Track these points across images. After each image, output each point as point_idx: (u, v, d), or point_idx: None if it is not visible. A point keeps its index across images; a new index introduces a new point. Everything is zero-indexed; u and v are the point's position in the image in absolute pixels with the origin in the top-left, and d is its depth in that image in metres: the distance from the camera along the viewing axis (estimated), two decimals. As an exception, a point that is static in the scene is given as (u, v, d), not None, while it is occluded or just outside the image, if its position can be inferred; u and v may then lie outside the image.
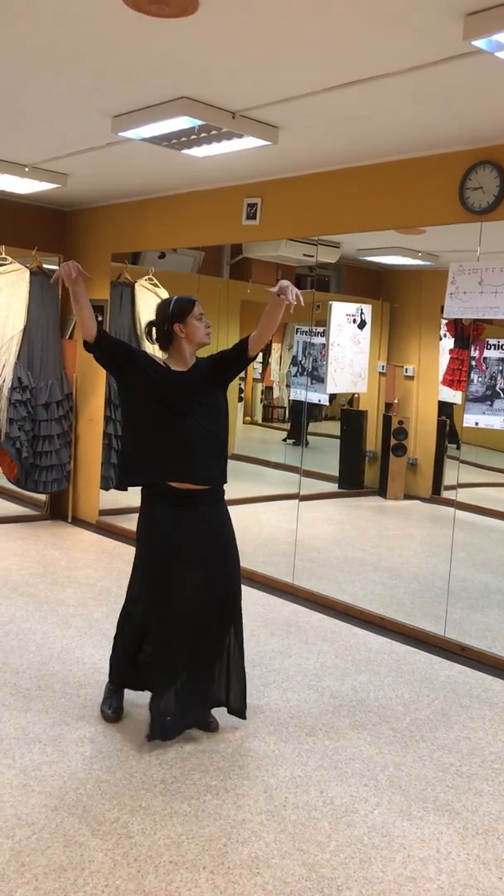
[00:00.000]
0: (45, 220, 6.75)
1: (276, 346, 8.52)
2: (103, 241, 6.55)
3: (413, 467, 7.40)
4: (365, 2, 2.62)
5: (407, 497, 7.43)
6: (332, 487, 7.85)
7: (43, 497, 6.99)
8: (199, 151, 4.41)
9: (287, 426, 8.70)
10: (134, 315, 6.70)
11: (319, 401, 7.45)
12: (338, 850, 2.62)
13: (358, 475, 7.90)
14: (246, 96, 3.66)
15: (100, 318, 6.19)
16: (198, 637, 3.26)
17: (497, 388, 5.47)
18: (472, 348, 5.78)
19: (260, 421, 9.17)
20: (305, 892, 2.41)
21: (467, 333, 6.07)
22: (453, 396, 6.74)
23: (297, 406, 8.14)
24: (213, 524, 3.31)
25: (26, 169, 5.40)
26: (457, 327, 6.30)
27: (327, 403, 7.79)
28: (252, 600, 5.00)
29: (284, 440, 8.49)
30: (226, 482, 3.36)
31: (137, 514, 3.34)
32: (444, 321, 6.55)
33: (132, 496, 3.36)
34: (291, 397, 8.47)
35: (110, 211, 6.50)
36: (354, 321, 6.79)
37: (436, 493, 7.18)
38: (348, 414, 7.98)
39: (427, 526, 7.27)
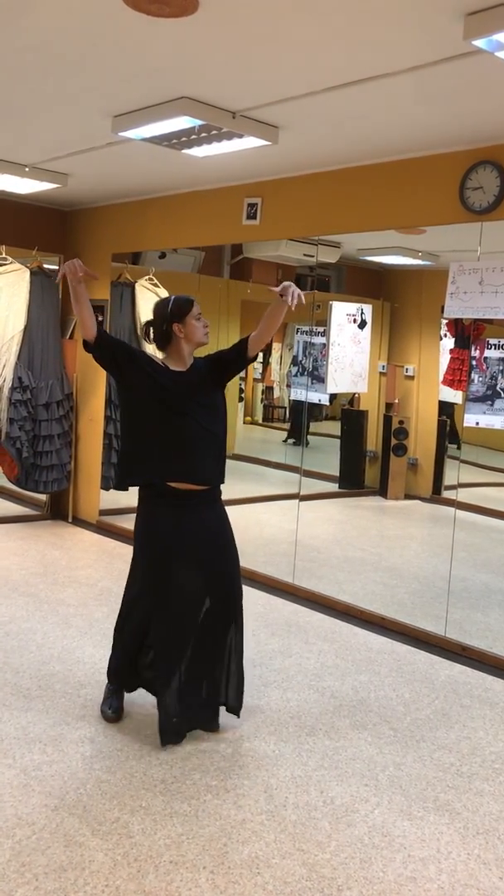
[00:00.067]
0: (45, 220, 6.75)
1: (276, 346, 8.52)
2: (103, 241, 6.55)
3: (413, 467, 7.40)
4: (365, 2, 2.62)
5: (407, 497, 7.42)
6: (333, 487, 7.85)
7: (43, 497, 6.99)
8: (199, 151, 4.41)
9: (287, 426, 8.70)
10: (134, 315, 6.70)
11: (320, 401, 7.44)
12: (338, 850, 2.62)
13: (358, 475, 7.90)
14: (246, 96, 3.66)
15: (100, 318, 6.19)
16: (199, 637, 3.26)
17: (497, 388, 5.47)
18: (473, 348, 5.78)
19: (260, 421, 9.17)
20: (306, 892, 2.41)
21: (468, 333, 6.06)
22: (454, 396, 6.73)
23: (297, 406, 8.14)
24: (212, 524, 3.31)
25: (26, 169, 5.40)
26: (457, 327, 6.30)
27: (328, 403, 7.79)
28: (252, 600, 5.00)
29: (285, 441, 8.49)
30: (224, 482, 3.36)
31: (135, 515, 3.35)
32: (444, 321, 6.55)
33: (132, 496, 3.36)
34: (292, 397, 8.47)
35: (110, 211, 6.50)
36: (355, 321, 6.79)
37: (436, 493, 7.18)
38: (349, 414, 7.97)
39: (428, 526, 7.27)
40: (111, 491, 6.62)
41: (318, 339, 7.01)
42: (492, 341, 5.71)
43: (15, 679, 3.76)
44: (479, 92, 3.38)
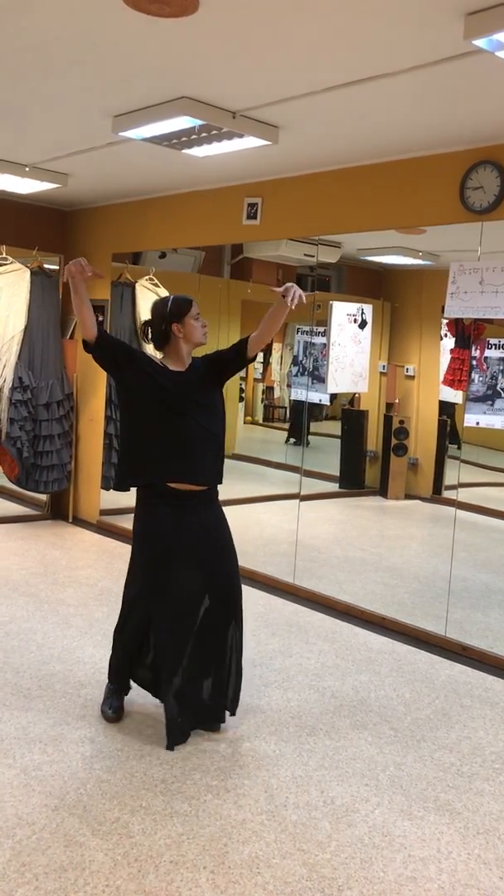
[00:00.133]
0: (45, 220, 6.75)
1: (276, 346, 8.52)
2: (104, 240, 6.55)
3: (414, 467, 7.40)
4: (365, 1, 2.62)
5: (408, 497, 7.42)
6: (333, 487, 7.85)
7: (44, 497, 6.99)
8: (199, 151, 4.41)
9: (288, 426, 8.70)
10: (134, 315, 6.70)
11: (320, 400, 7.45)
12: (338, 850, 2.62)
13: (359, 475, 7.90)
14: (246, 96, 3.66)
15: (100, 318, 6.19)
16: (199, 637, 3.26)
17: (498, 388, 5.47)
18: (473, 348, 5.78)
19: (261, 421, 9.17)
20: (306, 892, 2.41)
21: (468, 333, 6.06)
22: (454, 396, 6.73)
23: (297, 406, 8.14)
24: (211, 524, 3.31)
25: (27, 169, 5.40)
26: (457, 327, 6.30)
27: (328, 403, 7.79)
28: (253, 600, 5.00)
29: (287, 441, 8.49)
30: (222, 482, 3.36)
31: (133, 515, 3.35)
32: (444, 321, 6.55)
33: (133, 496, 3.36)
34: (292, 397, 8.47)
35: (111, 211, 6.50)
36: (355, 321, 6.79)
37: (437, 493, 7.18)
38: (349, 414, 7.97)
39: (428, 526, 7.27)
40: (111, 491, 6.62)
41: (319, 339, 7.01)
42: (492, 341, 5.71)
43: (15, 679, 3.76)
44: (480, 92, 3.38)
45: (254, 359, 3.37)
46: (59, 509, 7.00)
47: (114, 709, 3.43)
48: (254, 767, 3.10)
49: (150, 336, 3.30)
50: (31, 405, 6.40)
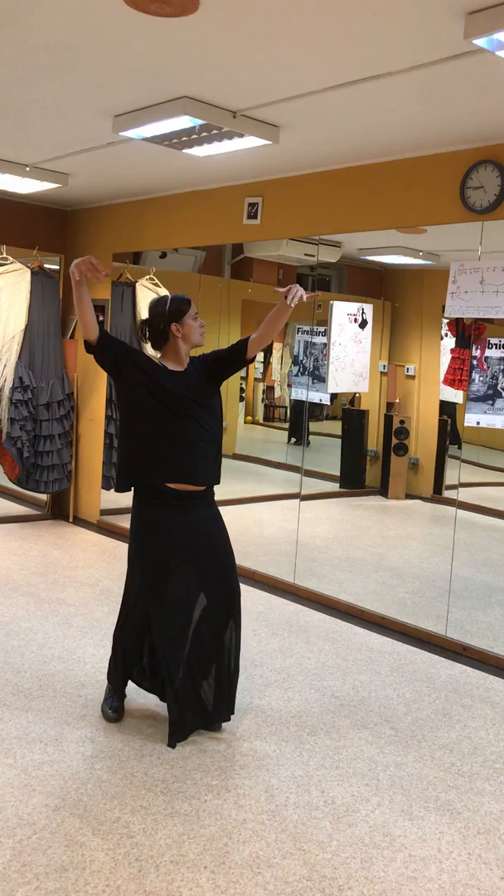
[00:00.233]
0: (46, 219, 6.75)
1: (277, 346, 8.52)
2: (104, 240, 6.55)
3: (414, 467, 7.40)
4: (365, 1, 2.62)
5: (408, 496, 7.42)
6: (334, 487, 7.85)
7: (44, 497, 6.99)
8: (200, 151, 4.40)
9: (288, 426, 8.70)
10: (135, 315, 6.70)
11: (321, 400, 7.45)
12: (339, 850, 2.62)
13: (359, 475, 7.90)
14: (247, 96, 3.66)
15: (101, 318, 6.19)
16: (198, 637, 3.25)
17: (498, 388, 5.47)
18: (474, 348, 5.77)
19: (261, 420, 9.17)
20: (307, 892, 2.41)
21: (468, 333, 6.06)
22: (454, 396, 6.73)
23: (298, 406, 8.14)
24: (209, 524, 3.31)
25: (27, 169, 5.40)
26: (458, 327, 6.30)
27: (328, 403, 7.79)
28: (253, 600, 5.00)
29: (288, 441, 8.49)
30: (219, 483, 3.36)
31: (130, 516, 3.34)
32: (445, 320, 6.55)
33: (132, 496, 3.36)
34: (293, 397, 8.47)
35: (111, 210, 6.50)
36: (356, 320, 6.79)
37: (437, 493, 7.18)
38: (349, 413, 7.97)
39: (428, 525, 7.26)
40: (112, 491, 6.62)
41: (319, 339, 7.01)
42: (492, 341, 5.71)
43: (16, 679, 3.76)
44: (480, 91, 3.38)
45: (253, 359, 3.36)
46: (60, 509, 7.00)
47: (114, 708, 3.43)
48: (254, 767, 3.10)
49: (147, 336, 3.29)
50: (31, 405, 6.40)
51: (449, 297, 4.31)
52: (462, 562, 5.46)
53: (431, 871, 2.54)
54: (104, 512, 6.75)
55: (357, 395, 7.78)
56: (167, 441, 3.19)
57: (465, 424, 5.27)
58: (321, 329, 6.88)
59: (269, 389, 9.07)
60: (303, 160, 4.74)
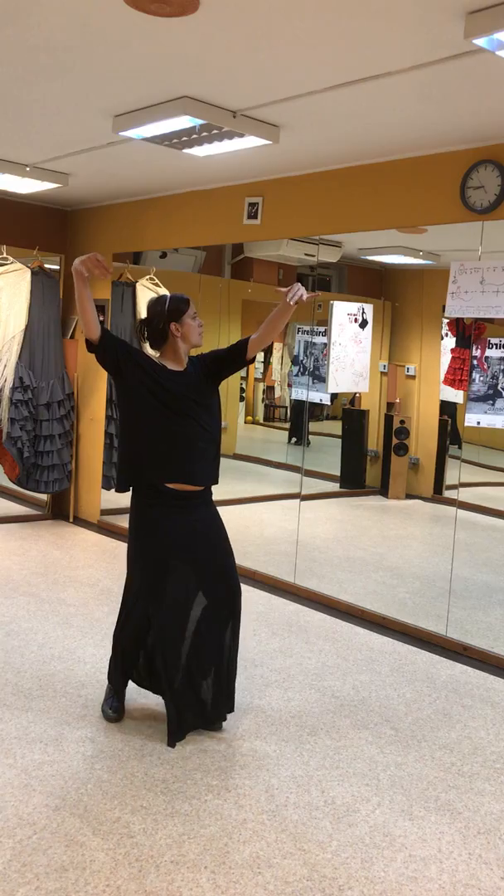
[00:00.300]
0: (46, 219, 6.75)
1: (277, 346, 8.52)
2: (104, 240, 6.55)
3: (415, 467, 7.40)
4: (366, 1, 2.62)
5: (409, 496, 7.42)
6: (334, 487, 7.85)
7: (44, 497, 6.99)
8: (200, 151, 4.40)
9: (288, 426, 8.70)
10: (135, 315, 6.70)
11: (321, 400, 7.45)
12: (339, 850, 2.62)
13: (360, 475, 7.90)
14: (247, 95, 3.65)
15: (101, 318, 6.18)
16: (198, 636, 3.25)
17: (499, 388, 5.47)
18: (474, 347, 5.77)
19: (262, 420, 9.17)
20: (307, 892, 2.41)
21: (469, 333, 6.06)
22: (455, 396, 6.74)
23: (298, 406, 8.14)
24: (208, 524, 3.31)
25: (27, 169, 5.40)
26: (458, 326, 6.30)
27: (329, 403, 7.79)
28: (253, 600, 5.00)
29: (289, 442, 8.49)
30: (217, 483, 3.36)
31: (128, 516, 3.34)
32: (445, 320, 6.55)
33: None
34: (293, 397, 8.47)
35: (111, 210, 6.50)
36: (356, 320, 6.79)
37: (437, 493, 7.18)
38: (350, 413, 7.97)
39: (429, 525, 7.26)
40: (112, 491, 6.62)
41: (320, 339, 7.01)
42: (493, 341, 5.71)
43: (16, 679, 3.76)
44: (480, 91, 3.38)
45: (253, 360, 3.36)
46: (60, 509, 7.00)
47: (114, 708, 3.42)
48: (254, 767, 3.10)
49: (146, 335, 3.29)
50: (31, 405, 6.40)
51: (449, 296, 4.31)
52: (462, 562, 5.46)
53: (432, 871, 2.54)
54: (104, 512, 6.75)
55: (357, 395, 7.79)
56: (167, 441, 3.18)
57: (466, 424, 5.27)
58: (321, 329, 6.88)
59: (270, 389, 9.07)
60: (303, 160, 4.74)
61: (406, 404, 7.47)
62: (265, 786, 2.97)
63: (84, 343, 3.25)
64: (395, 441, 7.40)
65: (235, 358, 3.29)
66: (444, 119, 3.81)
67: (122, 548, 6.08)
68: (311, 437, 7.37)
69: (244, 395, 8.82)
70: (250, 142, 4.16)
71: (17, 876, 2.40)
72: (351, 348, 6.71)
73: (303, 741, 3.32)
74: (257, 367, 8.89)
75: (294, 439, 8.34)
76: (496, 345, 5.68)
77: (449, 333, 6.52)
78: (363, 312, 6.83)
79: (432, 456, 7.24)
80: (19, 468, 6.43)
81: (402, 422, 7.41)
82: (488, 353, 5.68)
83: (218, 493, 3.41)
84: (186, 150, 4.41)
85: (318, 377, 7.03)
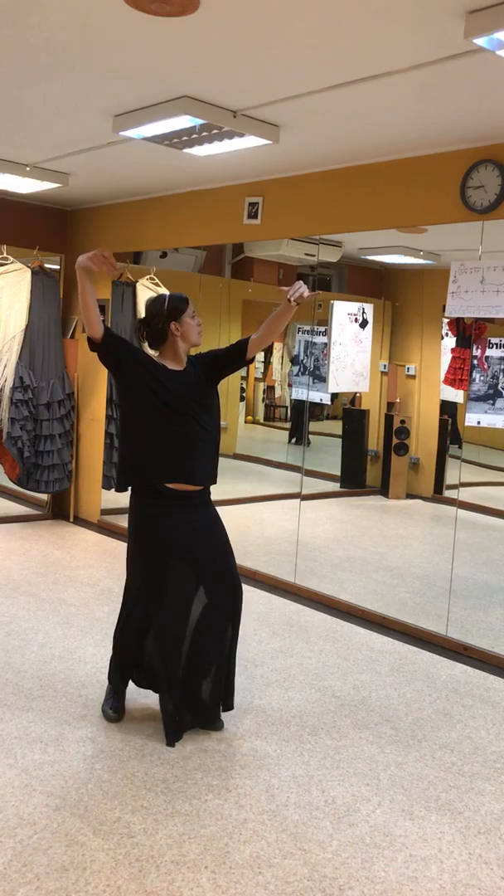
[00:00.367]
0: (46, 219, 6.75)
1: (277, 346, 8.53)
2: (104, 240, 6.55)
3: (415, 466, 7.40)
4: (365, 1, 2.62)
5: (409, 496, 7.43)
6: (334, 487, 7.86)
7: (45, 497, 6.99)
8: (200, 150, 4.40)
9: (289, 425, 8.70)
10: (135, 315, 6.70)
11: (321, 400, 7.45)
12: (340, 850, 2.62)
13: (360, 474, 7.91)
14: (247, 95, 3.65)
15: (101, 318, 6.18)
16: (198, 636, 3.25)
17: (499, 387, 5.47)
18: (474, 347, 5.77)
19: (262, 420, 9.17)
20: (307, 892, 2.41)
21: (469, 332, 6.07)
22: (455, 395, 6.74)
23: (298, 405, 8.14)
24: (207, 524, 3.31)
25: (27, 168, 5.40)
26: (458, 326, 6.30)
27: (329, 403, 7.79)
28: (254, 600, 5.00)
29: (290, 441, 8.49)
30: (216, 483, 3.36)
31: (128, 516, 3.34)
32: (445, 320, 6.55)
33: (133, 495, 3.36)
34: (293, 397, 8.47)
35: (112, 210, 6.50)
36: (356, 320, 6.79)
37: (438, 493, 7.19)
38: (350, 413, 7.98)
39: (429, 525, 7.27)
40: (112, 490, 6.62)
41: (320, 339, 7.01)
42: (493, 340, 5.72)
43: (16, 679, 3.76)
44: (481, 90, 3.38)
45: (252, 360, 3.36)
46: (61, 509, 7.00)
47: (115, 708, 3.42)
48: (255, 767, 3.10)
49: (145, 335, 3.28)
50: (31, 405, 6.40)
51: (449, 296, 4.31)
52: (462, 561, 5.46)
53: (432, 870, 2.54)
54: (104, 512, 6.75)
55: (357, 394, 7.79)
56: (167, 440, 3.18)
57: (466, 424, 5.27)
58: (322, 329, 6.89)
59: (270, 389, 9.08)
60: (303, 160, 4.74)
61: (406, 404, 7.47)
62: (265, 786, 2.97)
63: (86, 342, 3.25)
64: (395, 441, 7.40)
65: (235, 358, 3.29)
66: (444, 119, 3.80)
67: (122, 548, 6.08)
68: (311, 436, 7.37)
69: (244, 394, 8.82)
70: (250, 142, 4.16)
71: (18, 876, 2.40)
72: (351, 348, 6.72)
73: (303, 741, 3.32)
74: (258, 367, 8.90)
75: (294, 439, 8.34)
76: (496, 344, 5.68)
77: (449, 333, 6.52)
78: (363, 312, 6.83)
79: (432, 456, 7.24)
80: (19, 468, 6.43)
81: (402, 421, 7.41)
82: (488, 352, 5.68)
83: (218, 492, 3.41)
84: (186, 150, 4.41)
85: (319, 377, 7.03)
